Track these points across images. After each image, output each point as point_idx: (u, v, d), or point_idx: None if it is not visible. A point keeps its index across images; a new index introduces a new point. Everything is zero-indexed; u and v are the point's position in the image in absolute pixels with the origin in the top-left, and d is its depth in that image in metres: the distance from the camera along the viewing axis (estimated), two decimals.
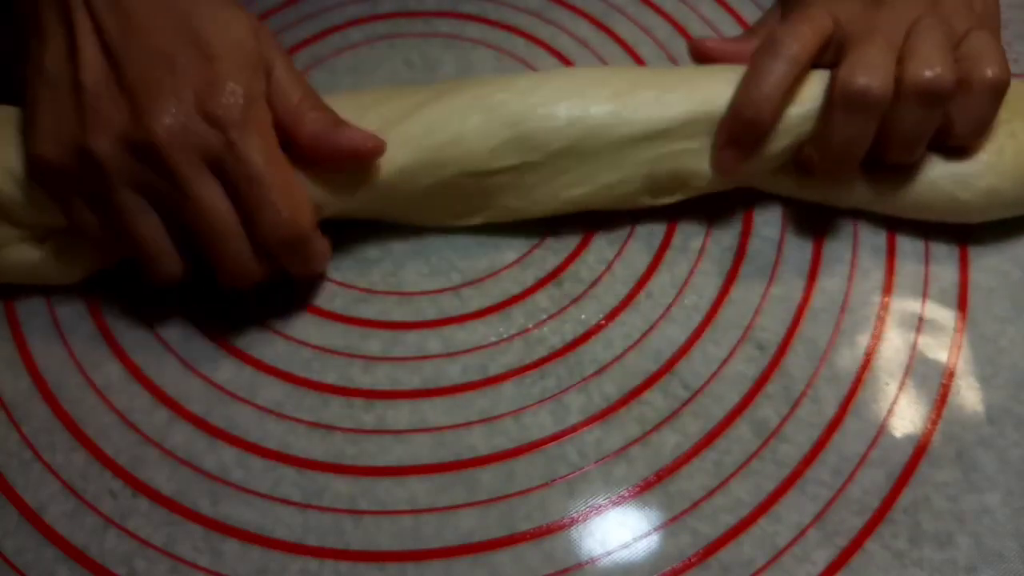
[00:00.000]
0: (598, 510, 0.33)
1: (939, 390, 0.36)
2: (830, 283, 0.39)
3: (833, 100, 0.36)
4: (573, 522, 0.33)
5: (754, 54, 0.37)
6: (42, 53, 0.33)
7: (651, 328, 0.38)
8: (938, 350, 0.37)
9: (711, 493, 0.34)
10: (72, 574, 0.32)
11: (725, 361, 0.37)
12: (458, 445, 0.35)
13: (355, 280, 0.39)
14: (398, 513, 0.33)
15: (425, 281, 0.39)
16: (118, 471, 0.34)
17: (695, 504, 0.33)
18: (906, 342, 0.37)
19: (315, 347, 0.37)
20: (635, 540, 0.33)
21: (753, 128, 0.36)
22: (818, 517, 0.33)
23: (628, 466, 0.34)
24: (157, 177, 0.32)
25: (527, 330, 0.38)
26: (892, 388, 0.36)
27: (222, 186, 0.33)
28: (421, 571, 0.32)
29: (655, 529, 0.33)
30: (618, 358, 0.37)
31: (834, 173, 0.38)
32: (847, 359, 0.37)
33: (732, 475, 0.34)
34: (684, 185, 0.39)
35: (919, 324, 0.37)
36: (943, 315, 0.38)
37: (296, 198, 0.34)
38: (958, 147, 0.38)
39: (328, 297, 0.39)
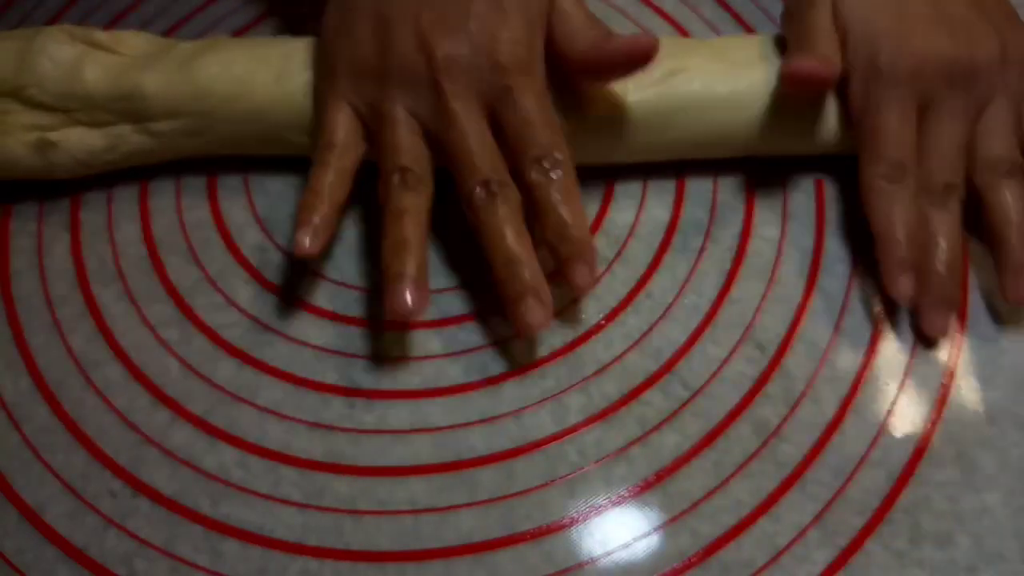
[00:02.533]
0: (598, 510, 0.33)
1: (939, 390, 0.36)
2: (830, 283, 0.39)
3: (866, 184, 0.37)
4: (573, 522, 0.33)
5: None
6: None
7: (651, 328, 0.38)
8: (938, 350, 0.37)
9: (711, 493, 0.34)
10: (72, 574, 0.32)
11: (725, 361, 0.37)
12: (458, 445, 0.35)
13: (355, 280, 0.39)
14: (398, 513, 0.33)
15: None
16: (118, 471, 0.34)
17: (695, 504, 0.33)
18: (906, 342, 0.37)
19: (315, 347, 0.37)
20: (635, 540, 0.33)
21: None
22: (818, 517, 0.33)
23: (628, 466, 0.34)
24: (431, 103, 0.36)
25: None
26: (892, 388, 0.36)
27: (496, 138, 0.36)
28: (421, 571, 0.32)
29: (655, 529, 0.33)
30: (618, 358, 0.37)
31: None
32: (847, 359, 0.37)
33: (732, 475, 0.34)
34: None
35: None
36: None
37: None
38: None
39: (328, 297, 0.39)
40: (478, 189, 0.35)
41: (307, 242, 0.34)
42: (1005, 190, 0.36)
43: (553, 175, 0.35)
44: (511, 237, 0.35)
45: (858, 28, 0.38)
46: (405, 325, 0.38)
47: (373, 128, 0.37)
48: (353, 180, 0.37)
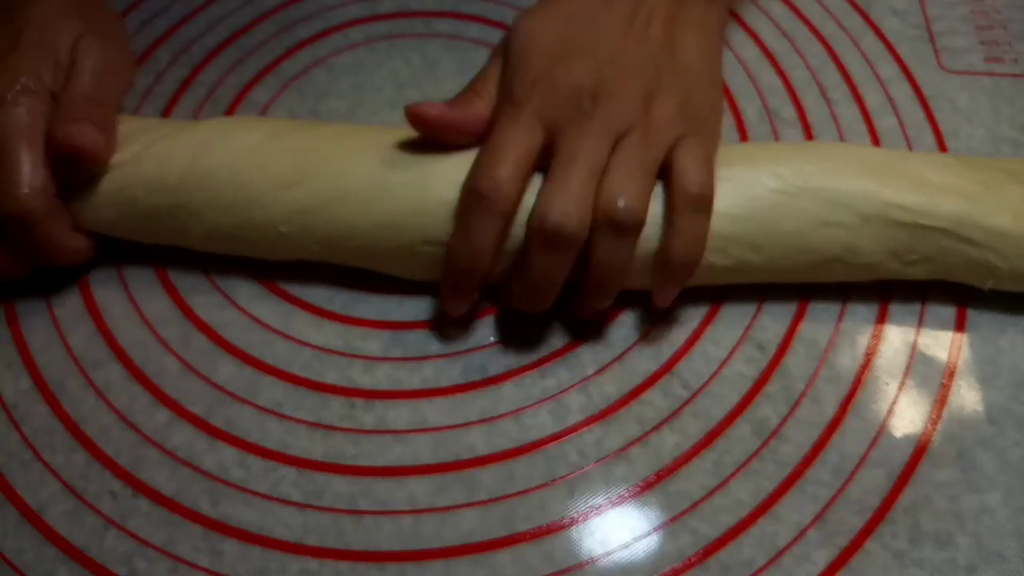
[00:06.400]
0: (598, 510, 0.33)
1: (939, 390, 0.36)
2: (830, 283, 0.39)
3: (529, 236, 0.34)
4: (573, 522, 0.33)
5: (463, 194, 0.34)
6: None
7: (651, 328, 0.38)
8: (938, 350, 0.37)
9: (711, 493, 0.34)
10: (72, 574, 0.32)
11: (725, 361, 0.37)
12: (458, 445, 0.35)
13: (355, 280, 0.39)
14: (398, 513, 0.33)
15: (425, 281, 0.39)
16: (118, 471, 0.34)
17: (695, 504, 0.33)
18: (906, 342, 0.37)
19: (315, 347, 0.37)
20: (635, 540, 0.33)
21: (471, 277, 0.35)
22: (818, 517, 0.33)
23: (628, 466, 0.34)
24: None
25: None
26: (892, 388, 0.36)
27: None
28: (421, 571, 0.32)
29: (655, 529, 0.33)
30: (618, 358, 0.37)
31: (528, 307, 0.36)
32: (847, 359, 0.37)
33: (732, 475, 0.34)
34: None
35: (919, 324, 0.37)
36: (943, 315, 0.38)
37: (38, 177, 0.35)
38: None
39: (328, 297, 0.39)
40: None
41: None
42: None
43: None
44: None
45: (511, 62, 0.36)
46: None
47: None
48: None
